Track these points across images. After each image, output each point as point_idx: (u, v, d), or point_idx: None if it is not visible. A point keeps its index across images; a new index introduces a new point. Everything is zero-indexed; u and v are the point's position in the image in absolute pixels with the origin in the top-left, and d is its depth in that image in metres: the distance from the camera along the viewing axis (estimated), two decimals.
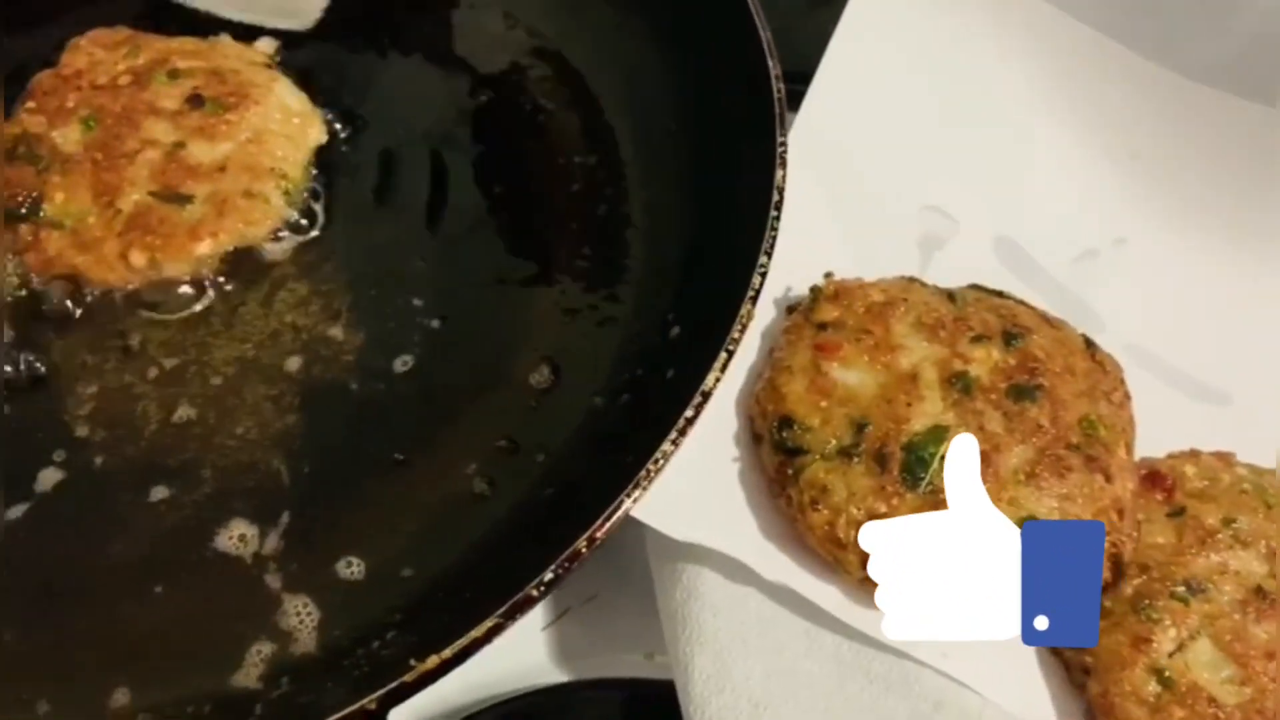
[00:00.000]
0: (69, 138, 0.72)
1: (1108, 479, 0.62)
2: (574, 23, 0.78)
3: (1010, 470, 0.62)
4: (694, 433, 0.56)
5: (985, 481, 0.61)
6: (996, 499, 0.60)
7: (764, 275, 0.59)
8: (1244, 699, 0.58)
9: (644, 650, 0.69)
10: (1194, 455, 0.67)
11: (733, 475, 0.65)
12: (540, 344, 0.68)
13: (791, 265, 0.68)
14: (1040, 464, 0.62)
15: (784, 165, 0.62)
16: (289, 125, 0.75)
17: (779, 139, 0.63)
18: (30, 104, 0.75)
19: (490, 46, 0.80)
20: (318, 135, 0.76)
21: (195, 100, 0.74)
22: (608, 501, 0.52)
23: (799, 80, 0.75)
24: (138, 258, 0.69)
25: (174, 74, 0.75)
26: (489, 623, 0.48)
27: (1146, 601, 0.60)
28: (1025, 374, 0.65)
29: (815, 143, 0.75)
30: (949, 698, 0.59)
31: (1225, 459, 0.67)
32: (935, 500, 0.60)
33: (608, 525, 0.51)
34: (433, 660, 0.47)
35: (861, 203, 0.76)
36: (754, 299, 0.58)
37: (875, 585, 0.60)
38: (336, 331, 0.68)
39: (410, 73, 0.80)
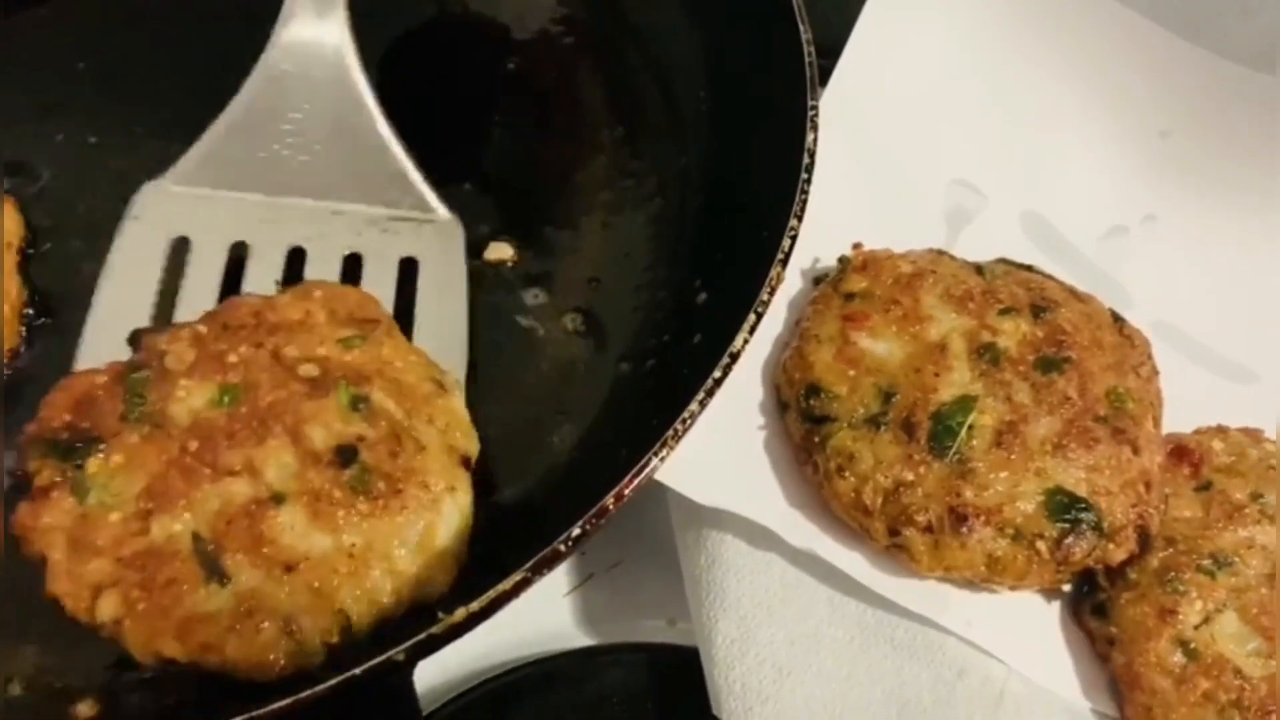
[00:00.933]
0: (190, 401, 0.54)
1: (1135, 451, 0.62)
2: None
3: (1038, 441, 0.62)
4: (720, 400, 0.56)
5: (1012, 451, 0.61)
6: (1024, 469, 0.61)
7: (794, 238, 0.58)
8: (1269, 671, 0.57)
9: (667, 616, 0.69)
10: (1221, 431, 0.67)
11: (758, 443, 0.65)
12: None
13: (818, 237, 0.68)
14: (1068, 435, 0.62)
15: (815, 128, 0.62)
16: (410, 565, 0.53)
17: (810, 101, 0.63)
18: (206, 326, 0.57)
19: (519, 14, 0.80)
20: (434, 590, 0.54)
21: (345, 455, 0.53)
22: (635, 460, 0.52)
23: (827, 54, 0.75)
24: (106, 607, 0.50)
25: (359, 401, 0.55)
26: (517, 576, 0.48)
27: (1173, 574, 0.60)
28: (1053, 346, 0.65)
29: (844, 115, 0.74)
30: (973, 665, 0.59)
31: (1253, 435, 0.67)
32: (962, 469, 0.60)
33: (635, 482, 0.51)
34: (460, 613, 0.47)
35: (889, 176, 0.76)
36: (784, 261, 0.58)
37: (900, 552, 0.60)
38: None
39: (437, 38, 0.79)
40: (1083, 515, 0.60)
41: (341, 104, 0.66)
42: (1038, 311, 0.66)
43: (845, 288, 0.68)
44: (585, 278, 0.69)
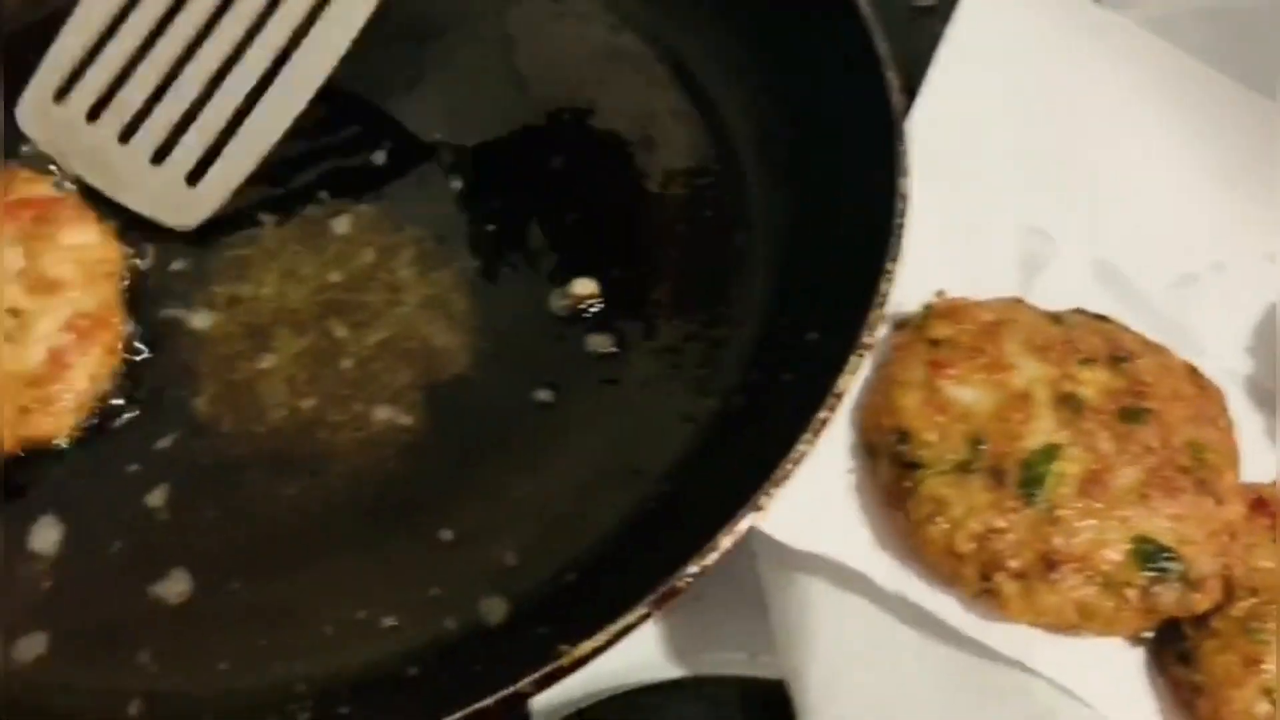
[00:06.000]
0: None
1: (1218, 502, 0.63)
2: (689, 32, 0.79)
3: (1122, 490, 0.62)
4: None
5: (1097, 500, 0.62)
6: (1110, 517, 0.61)
7: (891, 282, 0.60)
8: None
9: (748, 650, 0.69)
10: None
11: (847, 486, 0.66)
12: None
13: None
14: (1151, 485, 0.62)
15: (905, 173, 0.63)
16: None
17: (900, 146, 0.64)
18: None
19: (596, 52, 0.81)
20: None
21: None
22: (746, 496, 0.52)
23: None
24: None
25: None
26: (641, 610, 0.49)
27: (1256, 624, 0.61)
28: (1134, 397, 0.66)
29: (918, 158, 0.75)
30: (1062, 709, 0.60)
31: None
32: (1051, 516, 0.61)
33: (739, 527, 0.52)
34: (586, 646, 0.48)
35: (964, 220, 0.77)
36: (882, 304, 0.59)
37: (990, 598, 0.61)
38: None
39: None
40: (1170, 564, 0.60)
41: None
42: (1116, 362, 0.67)
43: (929, 334, 0.68)
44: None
